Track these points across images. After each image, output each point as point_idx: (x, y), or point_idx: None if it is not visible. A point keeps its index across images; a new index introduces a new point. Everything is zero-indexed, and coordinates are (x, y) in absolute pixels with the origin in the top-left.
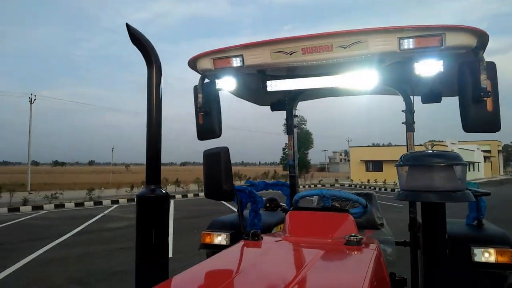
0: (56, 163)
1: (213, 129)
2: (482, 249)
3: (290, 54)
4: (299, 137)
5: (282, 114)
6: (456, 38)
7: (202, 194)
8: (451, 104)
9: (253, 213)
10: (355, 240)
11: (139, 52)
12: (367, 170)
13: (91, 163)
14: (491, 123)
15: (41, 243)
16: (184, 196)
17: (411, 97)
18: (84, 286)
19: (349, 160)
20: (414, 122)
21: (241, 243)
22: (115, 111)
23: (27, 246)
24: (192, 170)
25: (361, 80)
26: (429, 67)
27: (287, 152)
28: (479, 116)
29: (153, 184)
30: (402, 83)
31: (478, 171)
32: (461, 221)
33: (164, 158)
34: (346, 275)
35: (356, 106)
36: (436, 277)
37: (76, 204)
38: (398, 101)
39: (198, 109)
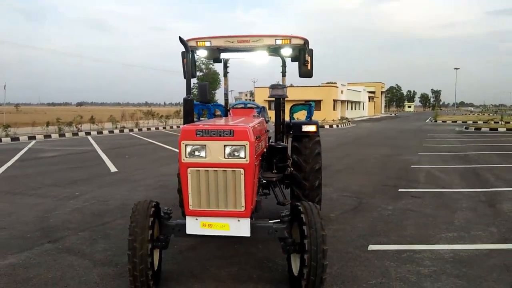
0: None
1: (193, 74)
2: (305, 126)
3: (232, 42)
4: (207, 78)
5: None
6: (296, 40)
7: (116, 131)
8: (340, 58)
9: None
10: (255, 115)
11: None
12: (269, 109)
13: None
14: (309, 74)
15: None
16: (100, 133)
17: (285, 58)
18: (58, 187)
19: (254, 100)
20: (285, 72)
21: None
22: None
23: None
24: (92, 110)
25: (262, 53)
26: (287, 50)
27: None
28: (304, 71)
29: (188, 94)
30: (280, 53)
31: (363, 109)
32: (303, 119)
33: (58, 97)
34: (248, 123)
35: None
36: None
37: None
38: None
39: (185, 65)
